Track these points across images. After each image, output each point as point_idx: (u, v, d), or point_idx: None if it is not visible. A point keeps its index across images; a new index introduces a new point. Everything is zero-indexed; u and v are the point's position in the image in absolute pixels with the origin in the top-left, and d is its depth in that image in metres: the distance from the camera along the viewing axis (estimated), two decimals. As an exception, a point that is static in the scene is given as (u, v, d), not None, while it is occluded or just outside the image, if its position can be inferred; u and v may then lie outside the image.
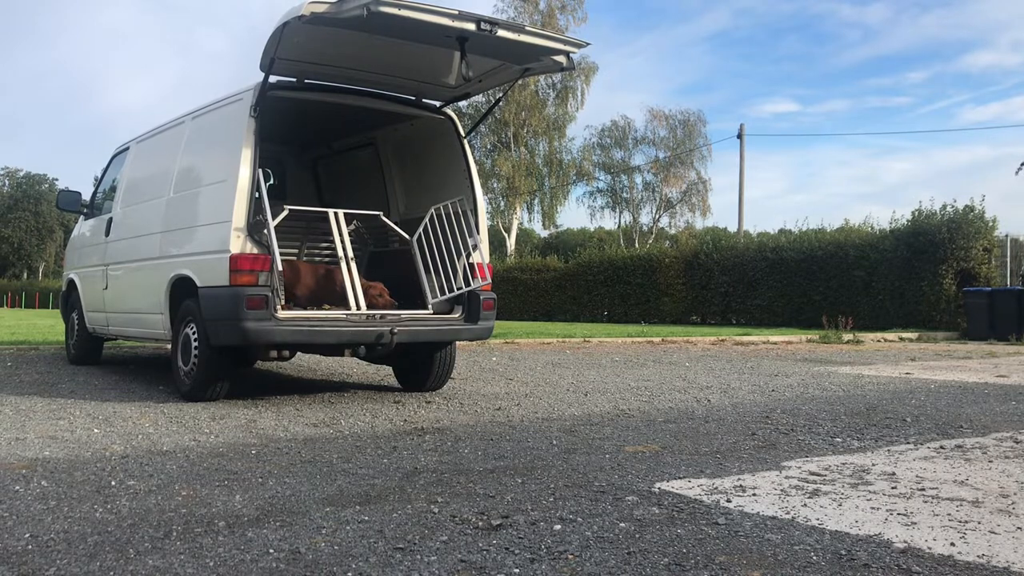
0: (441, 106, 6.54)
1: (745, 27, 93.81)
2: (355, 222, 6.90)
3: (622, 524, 2.73)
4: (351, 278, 5.86)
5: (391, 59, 5.77)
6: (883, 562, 2.36)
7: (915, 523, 2.77)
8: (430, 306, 6.10)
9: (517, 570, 2.28)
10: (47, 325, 16.65)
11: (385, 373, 7.58)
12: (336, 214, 6.16)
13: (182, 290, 5.83)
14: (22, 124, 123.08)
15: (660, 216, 46.48)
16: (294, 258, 7.04)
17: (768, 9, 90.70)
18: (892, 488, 3.28)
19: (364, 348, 5.68)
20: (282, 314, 5.33)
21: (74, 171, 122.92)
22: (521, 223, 42.70)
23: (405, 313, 5.92)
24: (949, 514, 2.89)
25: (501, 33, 5.11)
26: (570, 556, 2.40)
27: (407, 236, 6.51)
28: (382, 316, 5.74)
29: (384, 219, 6.64)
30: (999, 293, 15.79)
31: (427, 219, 6.41)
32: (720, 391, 6.65)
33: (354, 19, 4.75)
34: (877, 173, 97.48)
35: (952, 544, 2.54)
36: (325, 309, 5.86)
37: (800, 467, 3.68)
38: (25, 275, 71.38)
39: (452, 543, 2.51)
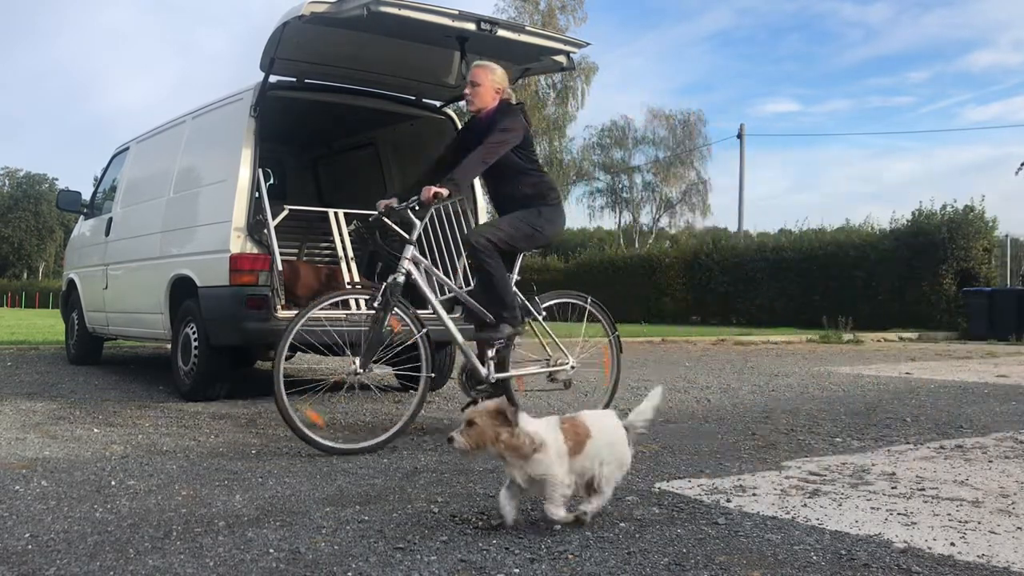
0: (441, 106, 6.54)
1: (746, 26, 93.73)
2: (355, 222, 6.90)
3: (622, 524, 2.73)
4: (351, 278, 5.86)
5: (391, 59, 5.77)
6: (883, 562, 2.36)
7: (915, 523, 2.77)
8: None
9: (517, 570, 2.28)
10: (47, 325, 16.65)
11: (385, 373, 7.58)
12: (336, 214, 6.16)
13: (182, 290, 5.83)
14: (22, 124, 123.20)
15: (660, 216, 46.51)
16: (294, 258, 7.03)
17: (770, 8, 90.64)
18: (892, 488, 3.27)
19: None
20: (282, 314, 5.32)
21: (74, 171, 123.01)
22: (521, 223, 42.64)
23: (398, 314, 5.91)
24: (949, 514, 2.88)
25: (501, 33, 5.10)
26: (570, 556, 2.40)
27: (407, 236, 6.51)
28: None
29: (384, 219, 6.64)
30: (999, 293, 15.79)
31: (427, 219, 6.40)
32: (720, 391, 6.65)
33: (354, 19, 4.75)
34: (878, 173, 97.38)
35: (952, 544, 2.54)
36: (325, 309, 5.85)
37: (800, 467, 3.68)
38: (25, 275, 71.32)
39: (452, 543, 2.51)
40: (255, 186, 5.43)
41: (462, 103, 5.01)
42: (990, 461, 3.85)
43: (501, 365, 4.37)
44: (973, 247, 17.10)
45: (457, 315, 6.12)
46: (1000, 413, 5.45)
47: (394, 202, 4.49)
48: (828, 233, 20.04)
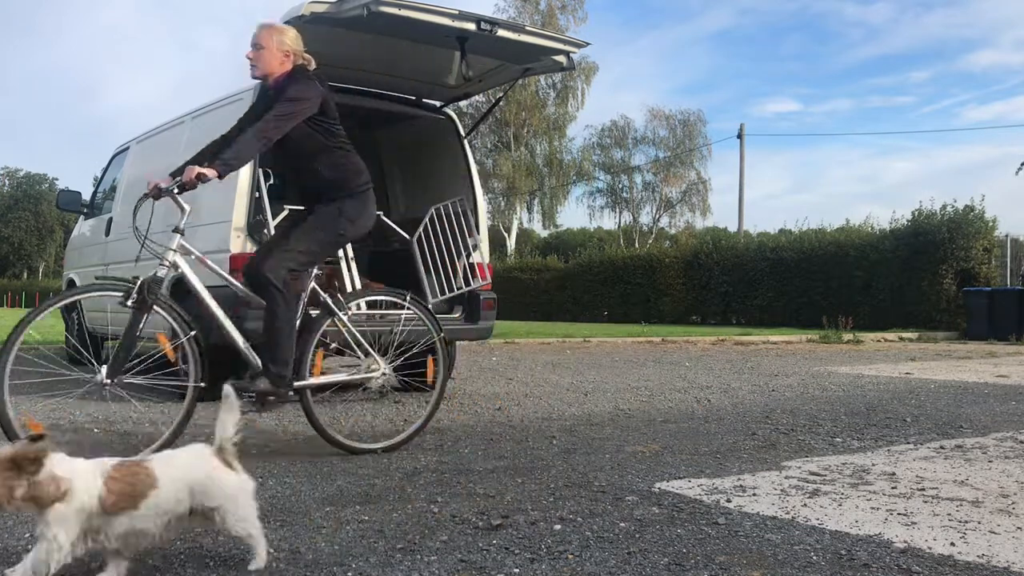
0: (441, 106, 6.54)
1: (748, 26, 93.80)
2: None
3: (622, 524, 2.73)
4: (351, 278, 5.86)
5: (391, 59, 5.77)
6: (883, 562, 2.36)
7: (915, 523, 2.77)
8: (430, 306, 6.10)
9: (517, 570, 2.28)
10: (47, 325, 16.63)
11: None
12: None
13: (182, 290, 5.82)
14: (22, 124, 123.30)
15: (660, 216, 46.53)
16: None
17: (771, 8, 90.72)
18: (892, 488, 3.28)
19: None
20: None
21: (74, 171, 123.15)
22: (521, 223, 42.72)
23: (405, 313, 5.92)
24: (949, 514, 2.88)
25: (501, 33, 5.11)
26: (570, 556, 2.40)
27: (407, 236, 6.52)
28: (382, 316, 5.73)
29: (384, 219, 6.65)
30: (999, 293, 15.79)
31: (427, 219, 6.41)
32: (720, 391, 6.65)
33: (354, 19, 4.76)
34: (879, 173, 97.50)
35: (952, 544, 2.54)
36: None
37: (800, 467, 3.67)
38: (25, 275, 71.36)
39: (452, 543, 2.51)
40: (255, 186, 5.43)
41: (463, 103, 5.01)
42: (990, 461, 3.85)
43: (297, 373, 3.83)
44: (973, 247, 17.10)
45: (456, 315, 6.13)
46: (1000, 413, 5.45)
47: (163, 182, 3.83)
48: (828, 233, 20.04)
